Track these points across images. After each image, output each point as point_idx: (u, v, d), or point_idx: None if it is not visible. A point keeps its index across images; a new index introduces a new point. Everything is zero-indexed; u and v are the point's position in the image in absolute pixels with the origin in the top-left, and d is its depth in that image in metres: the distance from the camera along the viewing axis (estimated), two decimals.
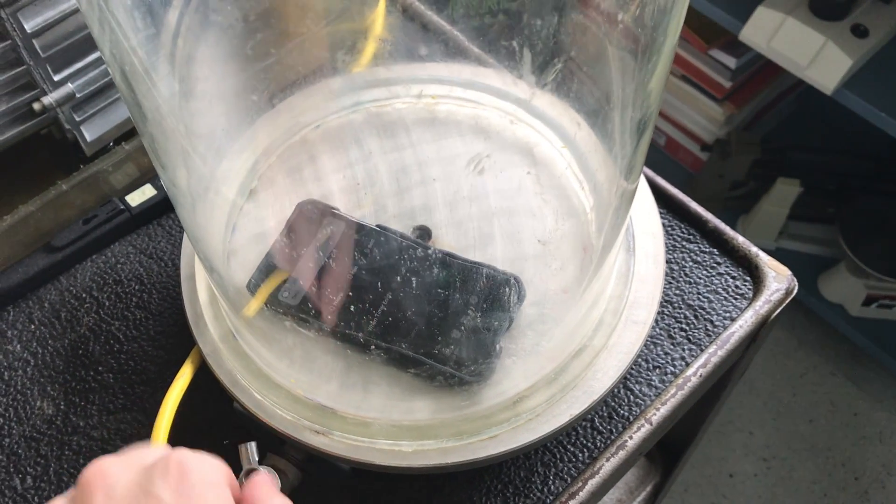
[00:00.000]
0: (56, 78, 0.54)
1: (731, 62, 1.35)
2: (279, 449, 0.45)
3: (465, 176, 0.51)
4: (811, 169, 1.39)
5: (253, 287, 0.46)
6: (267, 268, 0.47)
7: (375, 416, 0.42)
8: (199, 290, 0.47)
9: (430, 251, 0.47)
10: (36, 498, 0.48)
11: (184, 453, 0.31)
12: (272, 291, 0.45)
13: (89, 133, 0.57)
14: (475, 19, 0.45)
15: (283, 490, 0.43)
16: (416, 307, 0.45)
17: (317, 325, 0.45)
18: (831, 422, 1.41)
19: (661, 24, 0.33)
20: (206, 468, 0.31)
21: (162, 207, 0.58)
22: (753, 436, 1.40)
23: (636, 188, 0.43)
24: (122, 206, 0.57)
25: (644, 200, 0.51)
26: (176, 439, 0.44)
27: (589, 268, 0.46)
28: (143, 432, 0.50)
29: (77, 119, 0.56)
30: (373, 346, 0.44)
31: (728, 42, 1.34)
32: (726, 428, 1.40)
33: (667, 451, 0.76)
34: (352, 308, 0.45)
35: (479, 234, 0.49)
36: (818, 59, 1.12)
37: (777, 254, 1.43)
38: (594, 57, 0.39)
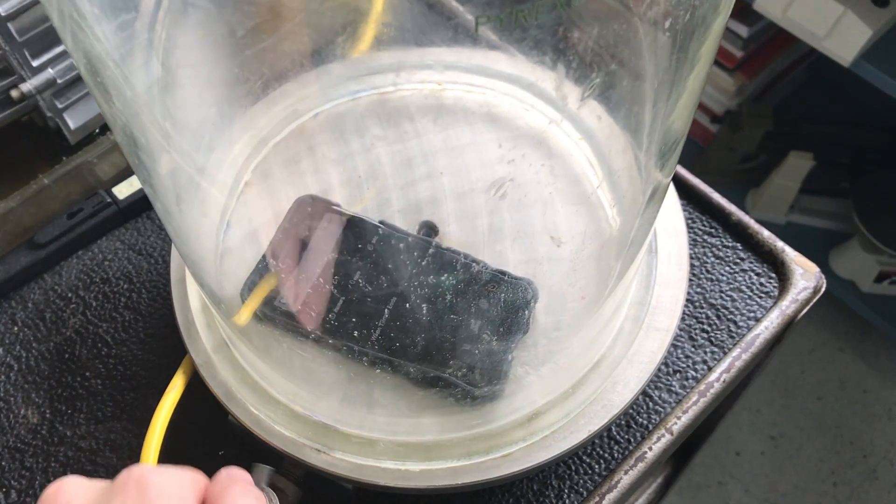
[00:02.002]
0: (34, 63, 0.50)
1: (743, 31, 1.30)
2: (277, 465, 0.42)
3: (475, 171, 0.48)
4: (824, 142, 1.35)
5: (246, 293, 0.43)
6: (261, 272, 0.44)
7: (380, 435, 0.40)
8: (191, 296, 0.44)
9: (438, 253, 0.44)
10: None
11: (145, 469, 0.30)
12: (266, 298, 0.42)
13: (73, 121, 0.54)
14: (504, 33, 0.42)
15: None
16: (423, 317, 0.42)
17: (314, 336, 0.42)
18: (840, 399, 1.39)
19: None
20: (168, 482, 0.30)
21: None
22: (761, 413, 1.38)
23: (668, 186, 0.40)
24: (109, 199, 0.53)
25: (667, 194, 0.47)
26: (169, 450, 0.42)
27: (609, 271, 0.43)
28: (133, 442, 0.47)
29: (59, 106, 0.53)
30: (376, 361, 0.41)
31: (740, 10, 1.29)
32: (733, 405, 1.38)
33: (680, 447, 0.73)
34: (352, 317, 0.42)
35: (488, 231, 0.46)
36: (836, 29, 1.07)
37: (787, 228, 1.40)
38: (626, 46, 0.35)
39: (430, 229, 0.47)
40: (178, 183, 0.41)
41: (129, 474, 0.30)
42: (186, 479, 0.31)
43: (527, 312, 0.42)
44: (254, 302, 0.42)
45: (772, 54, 1.39)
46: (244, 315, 0.41)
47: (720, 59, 1.37)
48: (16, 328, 0.51)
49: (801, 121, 1.39)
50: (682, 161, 0.54)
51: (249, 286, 0.43)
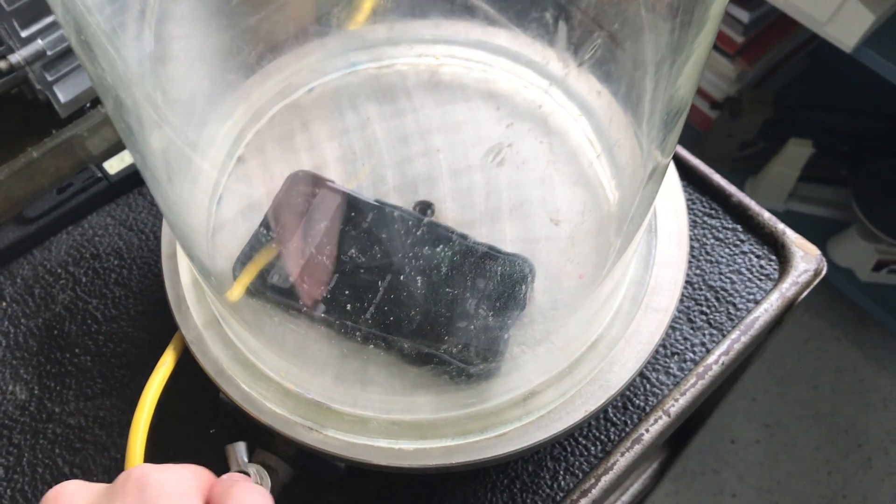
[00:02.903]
0: (23, 34, 0.49)
1: (744, 16, 1.29)
2: (269, 443, 0.41)
3: (472, 148, 0.47)
4: (824, 129, 1.35)
5: (238, 269, 0.42)
6: (253, 247, 0.43)
7: (373, 414, 0.39)
8: (182, 271, 0.43)
9: (432, 230, 0.43)
10: (8, 491, 0.44)
11: (146, 468, 0.29)
12: (258, 273, 0.41)
13: (63, 94, 0.53)
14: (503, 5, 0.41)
15: (274, 488, 0.39)
16: (418, 293, 0.41)
17: (307, 313, 0.41)
18: (836, 388, 1.39)
19: None
20: (169, 480, 0.29)
21: None
22: (756, 402, 1.38)
23: (668, 164, 0.39)
24: (100, 174, 0.52)
25: (668, 174, 0.47)
26: (159, 428, 0.41)
27: (607, 249, 0.42)
28: (123, 419, 0.46)
29: (49, 79, 0.52)
30: (370, 338, 0.40)
31: None
32: (730, 391, 1.38)
33: (676, 432, 0.73)
34: (346, 293, 0.41)
35: (485, 210, 0.45)
36: (839, 14, 1.06)
37: (786, 216, 1.39)
38: (627, 20, 0.34)
39: (425, 207, 0.46)
40: (169, 157, 0.40)
41: (129, 474, 0.29)
42: (188, 475, 0.30)
43: (523, 290, 0.41)
44: (246, 277, 0.41)
45: (772, 40, 1.38)
46: (236, 291, 0.40)
47: (720, 45, 1.36)
48: (4, 304, 0.50)
49: (801, 108, 1.38)
50: (681, 146, 0.53)
51: (241, 261, 0.43)
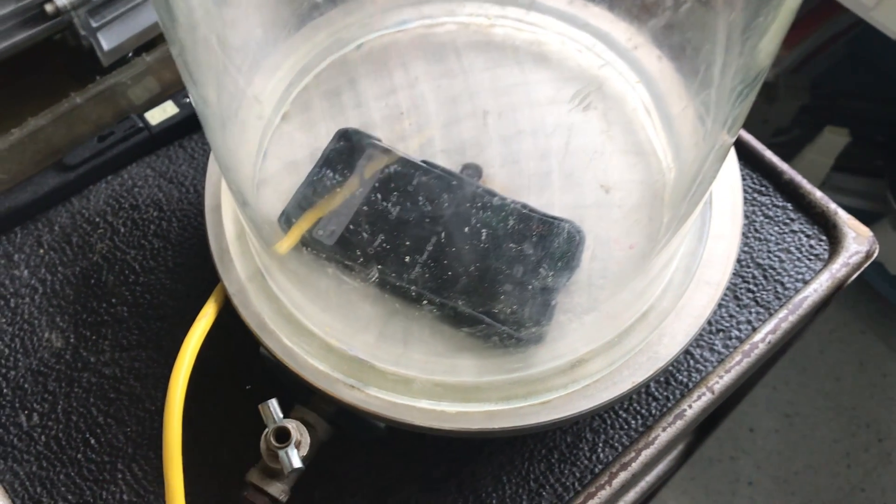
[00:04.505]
0: None
1: None
2: (307, 400, 0.41)
3: (522, 112, 0.46)
4: (862, 118, 1.32)
5: (285, 221, 0.41)
6: (300, 201, 0.42)
7: (416, 374, 0.38)
8: (226, 223, 0.43)
9: (482, 192, 0.42)
10: (42, 437, 0.44)
11: None
12: (307, 228, 0.41)
13: (106, 41, 0.52)
14: None
15: (312, 445, 0.39)
16: (464, 253, 0.40)
17: (354, 269, 0.40)
18: (858, 381, 1.38)
19: None
20: None
21: (184, 127, 0.53)
22: (777, 391, 1.37)
23: (733, 142, 0.38)
24: (142, 124, 0.52)
25: None
26: (195, 384, 0.41)
27: (660, 221, 0.41)
28: (158, 372, 0.46)
29: (94, 25, 0.51)
30: (416, 296, 0.39)
31: None
32: (766, 373, 1.36)
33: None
34: (393, 252, 0.40)
35: (534, 175, 0.44)
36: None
37: None
38: None
39: (473, 171, 0.45)
40: (222, 104, 0.39)
41: None
42: None
43: (572, 256, 0.41)
44: (296, 231, 0.40)
45: (813, 25, 1.35)
46: (286, 243, 0.40)
47: None
48: (41, 251, 0.50)
49: (839, 96, 1.35)
50: None
51: (287, 216, 0.42)
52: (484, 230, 0.41)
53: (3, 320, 0.47)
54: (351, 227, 0.41)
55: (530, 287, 0.39)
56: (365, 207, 0.42)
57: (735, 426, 1.33)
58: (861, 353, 1.40)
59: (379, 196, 0.42)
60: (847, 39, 1.46)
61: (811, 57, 1.42)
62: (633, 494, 0.74)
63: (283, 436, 0.37)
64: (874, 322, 1.42)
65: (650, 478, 0.76)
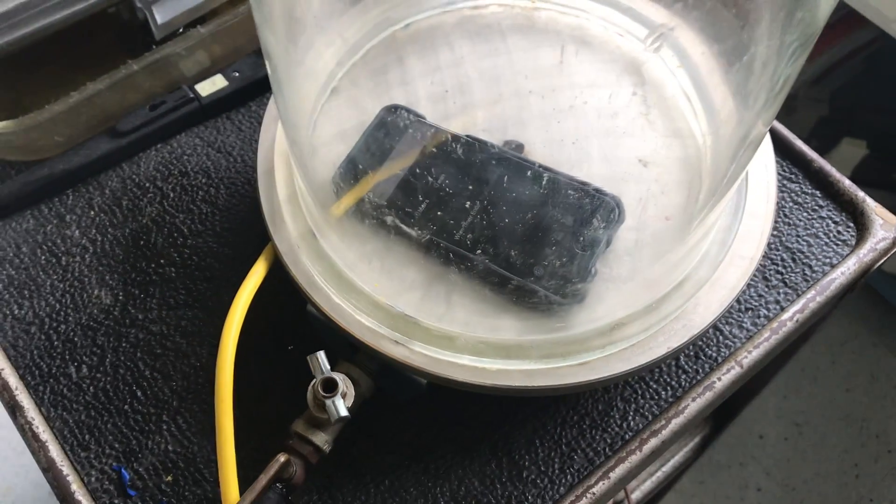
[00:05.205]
0: None
1: None
2: (352, 358, 0.42)
3: (563, 93, 0.47)
4: (880, 131, 1.33)
5: (338, 183, 0.43)
6: (351, 165, 0.44)
7: (460, 331, 0.40)
8: (279, 186, 0.44)
9: (525, 163, 0.44)
10: (91, 388, 0.46)
11: None
12: (359, 191, 0.42)
13: (160, 14, 0.54)
14: None
15: (356, 399, 0.40)
16: (510, 221, 0.42)
17: (404, 230, 0.42)
18: (869, 392, 1.38)
19: None
20: None
21: (233, 100, 0.55)
22: (787, 399, 1.37)
23: (767, 132, 0.39)
24: (192, 95, 0.54)
25: None
26: (240, 343, 0.42)
27: (697, 193, 0.42)
28: (204, 330, 0.48)
29: None
30: (461, 257, 0.41)
31: None
32: (781, 368, 1.37)
33: (724, 404, 0.73)
34: (442, 215, 0.42)
35: (574, 153, 0.46)
36: None
37: None
38: None
39: (515, 147, 0.47)
40: (280, 71, 0.41)
41: None
42: None
43: (611, 226, 0.42)
44: (352, 195, 0.42)
45: (833, 38, 1.37)
46: (342, 206, 0.41)
47: None
48: (92, 212, 0.51)
49: (857, 108, 1.37)
50: None
51: (337, 181, 0.44)
52: (527, 196, 0.42)
53: (55, 277, 0.49)
54: (402, 192, 0.43)
55: (571, 251, 0.41)
56: (414, 175, 0.44)
57: (745, 432, 1.34)
58: (872, 365, 1.41)
59: (427, 165, 0.44)
60: (867, 53, 1.47)
61: (831, 69, 1.44)
62: (649, 484, 0.75)
63: (330, 386, 0.39)
64: (886, 335, 1.43)
65: (668, 468, 0.77)
